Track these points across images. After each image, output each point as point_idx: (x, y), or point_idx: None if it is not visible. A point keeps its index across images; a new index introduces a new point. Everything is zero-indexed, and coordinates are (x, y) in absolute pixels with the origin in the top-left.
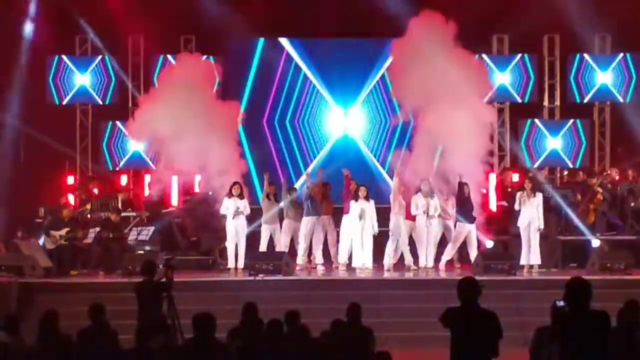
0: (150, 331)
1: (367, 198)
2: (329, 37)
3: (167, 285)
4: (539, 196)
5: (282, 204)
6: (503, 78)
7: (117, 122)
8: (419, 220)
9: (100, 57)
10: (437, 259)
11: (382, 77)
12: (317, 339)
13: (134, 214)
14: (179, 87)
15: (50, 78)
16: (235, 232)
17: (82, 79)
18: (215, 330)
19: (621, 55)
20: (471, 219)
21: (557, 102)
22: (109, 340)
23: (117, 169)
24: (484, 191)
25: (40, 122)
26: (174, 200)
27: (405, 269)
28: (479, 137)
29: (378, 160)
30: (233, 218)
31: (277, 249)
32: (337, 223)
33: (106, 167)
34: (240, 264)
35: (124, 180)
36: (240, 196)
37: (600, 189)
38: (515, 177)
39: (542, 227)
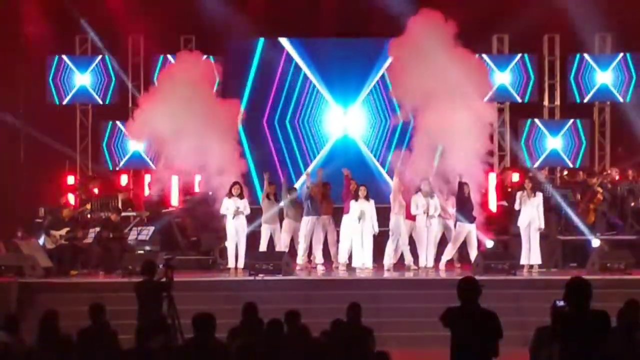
0: (150, 331)
1: (367, 198)
2: (329, 37)
3: (167, 285)
4: (539, 196)
5: (282, 204)
6: (503, 78)
7: (117, 122)
8: (419, 220)
9: (100, 57)
10: (437, 259)
11: (382, 76)
12: (317, 339)
13: (134, 213)
14: (179, 86)
15: (51, 78)
16: (236, 232)
17: (82, 79)
18: (215, 330)
19: (621, 55)
20: (471, 219)
21: (557, 102)
22: (109, 340)
23: (117, 168)
24: (505, 204)
25: (40, 122)
26: (174, 200)
27: (405, 268)
28: (479, 136)
29: (378, 160)
30: (233, 218)
31: (277, 249)
32: (337, 223)
33: (106, 167)
34: (241, 264)
35: (124, 180)
36: (240, 196)
37: (600, 189)
38: (516, 177)
39: (542, 226)
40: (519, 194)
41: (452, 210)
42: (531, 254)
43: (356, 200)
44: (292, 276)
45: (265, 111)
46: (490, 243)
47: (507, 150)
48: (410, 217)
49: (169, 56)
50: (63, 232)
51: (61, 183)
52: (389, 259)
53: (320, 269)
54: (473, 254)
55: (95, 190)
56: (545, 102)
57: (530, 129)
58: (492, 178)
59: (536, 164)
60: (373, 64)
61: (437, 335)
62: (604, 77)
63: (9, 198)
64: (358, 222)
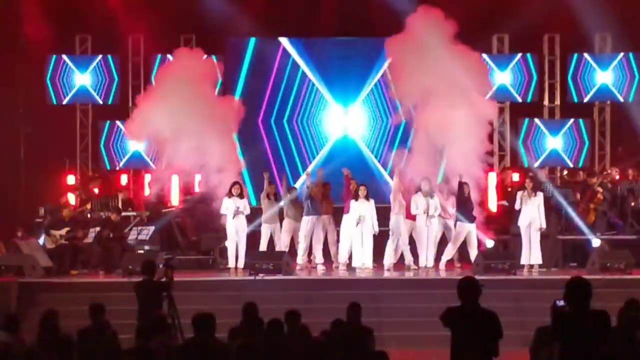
0: (150, 331)
1: (367, 198)
2: (329, 36)
3: (167, 284)
4: (540, 195)
5: (282, 203)
6: (503, 77)
7: (117, 122)
8: (419, 220)
9: (100, 56)
10: (437, 259)
11: (383, 76)
12: (317, 339)
13: (134, 213)
14: (177, 84)
15: (50, 77)
16: (236, 231)
17: (82, 79)
18: (216, 329)
19: (621, 54)
20: (471, 219)
21: (557, 102)
22: (109, 340)
23: (117, 168)
24: (505, 204)
25: (40, 121)
26: (174, 200)
27: (405, 268)
28: (480, 134)
29: (378, 160)
30: (233, 218)
31: (277, 249)
32: (337, 223)
33: (103, 166)
34: (241, 264)
35: (124, 180)
36: (240, 196)
37: (600, 189)
38: (516, 177)
39: (544, 226)
40: (519, 193)
41: (452, 210)
42: (532, 254)
43: (356, 200)
44: (292, 276)
45: (261, 110)
46: (490, 243)
47: (507, 150)
48: (411, 217)
49: (168, 56)
50: (63, 231)
51: (61, 183)
52: (389, 259)
53: (321, 268)
54: (473, 253)
55: (96, 190)
56: (546, 102)
57: (531, 128)
58: (493, 178)
59: (536, 164)
60: (373, 63)
61: (438, 335)
62: (604, 77)
63: (9, 198)
64: (356, 226)
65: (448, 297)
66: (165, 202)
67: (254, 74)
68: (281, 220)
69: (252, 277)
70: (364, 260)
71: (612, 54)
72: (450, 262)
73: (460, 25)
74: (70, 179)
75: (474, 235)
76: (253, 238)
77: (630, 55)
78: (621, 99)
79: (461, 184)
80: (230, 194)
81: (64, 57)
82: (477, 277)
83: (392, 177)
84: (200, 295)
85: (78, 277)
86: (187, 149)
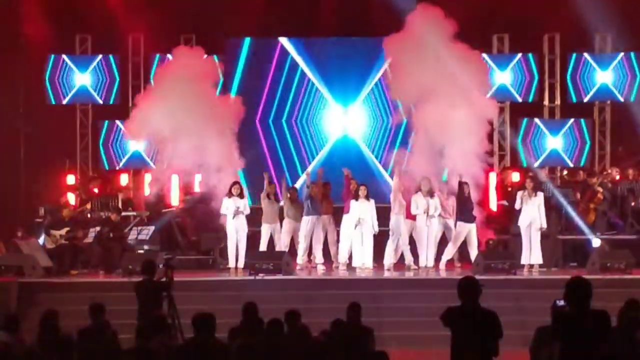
0: (150, 331)
1: (367, 197)
2: (329, 36)
3: (167, 284)
4: (540, 195)
5: (281, 203)
6: (503, 77)
7: (117, 122)
8: (419, 220)
9: (100, 56)
10: (438, 259)
11: (383, 75)
12: (317, 339)
13: (134, 213)
14: (176, 82)
15: (50, 77)
16: (236, 231)
17: (82, 79)
18: (216, 329)
19: (622, 54)
20: (471, 219)
21: (558, 102)
22: (109, 340)
23: (117, 168)
24: (505, 203)
25: (40, 121)
26: (174, 200)
27: (405, 268)
28: (480, 133)
29: (378, 160)
30: (233, 218)
31: (277, 249)
32: (337, 222)
33: (103, 166)
34: (241, 264)
35: (124, 179)
36: (240, 196)
37: (600, 189)
38: (516, 177)
39: (545, 226)
40: (519, 193)
41: (452, 209)
42: (532, 254)
43: (356, 200)
44: (292, 276)
45: (258, 110)
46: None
47: (507, 149)
48: (411, 217)
49: (168, 56)
50: (63, 231)
51: (61, 183)
52: (389, 259)
53: (321, 268)
54: (473, 253)
55: (96, 190)
56: (546, 102)
57: (531, 128)
58: (493, 177)
59: (536, 164)
60: (373, 62)
61: (438, 335)
62: (604, 77)
63: (9, 198)
64: (354, 228)
65: (448, 297)
66: (164, 202)
67: (251, 74)
68: (281, 220)
69: (252, 277)
70: (364, 260)
71: (612, 53)
72: (450, 262)
73: (460, 25)
74: (70, 179)
75: (474, 235)
76: (253, 238)
77: (632, 54)
78: (621, 99)
79: (461, 184)
80: (230, 194)
81: (64, 57)
82: (477, 276)
83: (393, 177)
84: (200, 295)
85: (78, 277)
86: (187, 148)
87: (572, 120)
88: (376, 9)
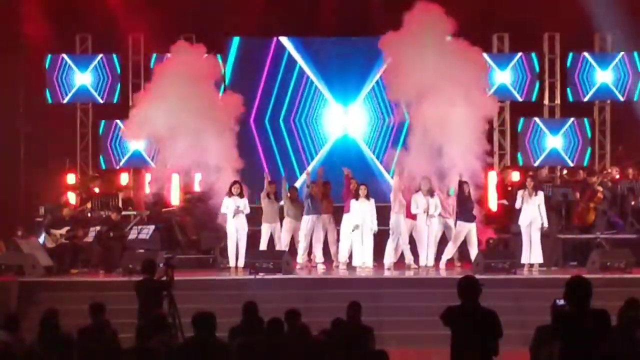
0: (150, 330)
1: (367, 197)
2: (329, 35)
3: (168, 283)
4: (541, 194)
5: (281, 203)
6: (503, 77)
7: (117, 121)
8: (420, 219)
9: (100, 55)
10: (438, 258)
11: (384, 74)
12: (317, 338)
13: (134, 212)
14: (175, 78)
15: (49, 77)
16: (236, 230)
17: (83, 78)
18: (216, 329)
19: (622, 54)
20: (471, 218)
21: (558, 101)
22: (109, 339)
23: (118, 167)
24: (505, 203)
25: (40, 121)
26: (174, 199)
27: (405, 267)
28: (479, 131)
29: (378, 159)
30: (233, 217)
31: (278, 248)
32: (338, 222)
33: (102, 166)
34: (241, 263)
35: (124, 179)
36: (240, 195)
37: (600, 188)
38: (516, 176)
39: (546, 225)
40: (520, 192)
41: (452, 208)
42: (532, 253)
43: (357, 199)
44: (293, 275)
45: (252, 110)
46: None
47: (507, 149)
48: (411, 216)
49: (167, 55)
50: (63, 231)
51: (61, 182)
52: (389, 258)
53: (321, 267)
54: (473, 252)
55: (96, 189)
56: (546, 101)
57: (531, 127)
58: (493, 177)
59: (536, 163)
60: (373, 62)
61: (438, 334)
62: (604, 76)
63: (9, 197)
64: (352, 231)
65: (448, 296)
66: (164, 202)
67: (242, 73)
68: (281, 219)
69: (252, 276)
70: (364, 260)
71: (612, 53)
72: (450, 261)
73: (460, 24)
74: (71, 178)
75: (474, 235)
76: (253, 237)
77: (635, 54)
78: (621, 98)
79: (461, 183)
80: (230, 193)
81: (64, 56)
82: (477, 276)
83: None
84: (200, 294)
85: (78, 276)
86: (185, 147)
87: (572, 119)
88: (376, 8)
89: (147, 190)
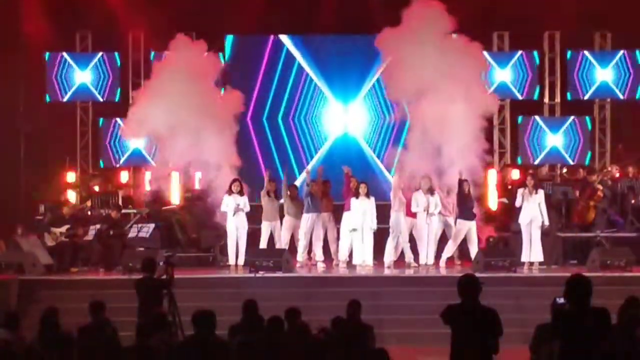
0: (150, 328)
1: (367, 195)
2: (329, 33)
3: (168, 282)
4: (541, 193)
5: (281, 201)
6: (504, 75)
7: (117, 119)
8: (420, 218)
9: (100, 53)
10: (438, 256)
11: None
12: (317, 336)
13: (134, 211)
14: (173, 74)
15: (49, 75)
16: (236, 229)
17: (83, 76)
18: (216, 327)
19: (622, 51)
20: (471, 216)
21: (558, 99)
22: (109, 337)
23: (117, 166)
24: (506, 201)
25: (40, 119)
26: (174, 197)
27: (405, 266)
28: (479, 128)
29: (379, 158)
30: (233, 215)
31: (278, 246)
32: (338, 220)
33: (102, 164)
34: (241, 261)
35: (124, 177)
36: (240, 193)
37: (600, 186)
38: (516, 174)
39: (547, 223)
40: (520, 190)
41: (452, 207)
42: (533, 251)
43: (357, 197)
44: (292, 273)
45: (249, 108)
46: None
47: (507, 147)
48: (411, 215)
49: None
50: (63, 229)
51: (61, 180)
52: (389, 257)
53: (321, 266)
54: (473, 251)
55: (96, 188)
56: (546, 99)
57: (531, 126)
58: (493, 175)
59: (536, 161)
60: (374, 60)
61: (438, 333)
62: (604, 75)
63: (9, 196)
64: (349, 232)
65: (448, 295)
66: (162, 200)
67: (238, 71)
68: (281, 217)
69: (252, 275)
70: (364, 258)
71: (612, 51)
72: (450, 260)
73: (461, 22)
74: (71, 177)
75: (474, 233)
76: (253, 235)
77: (637, 52)
78: (621, 97)
79: (461, 182)
80: (230, 191)
81: (64, 54)
82: (478, 274)
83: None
84: (200, 292)
85: (78, 274)
86: (184, 145)
87: (572, 117)
88: (376, 6)
89: (148, 188)
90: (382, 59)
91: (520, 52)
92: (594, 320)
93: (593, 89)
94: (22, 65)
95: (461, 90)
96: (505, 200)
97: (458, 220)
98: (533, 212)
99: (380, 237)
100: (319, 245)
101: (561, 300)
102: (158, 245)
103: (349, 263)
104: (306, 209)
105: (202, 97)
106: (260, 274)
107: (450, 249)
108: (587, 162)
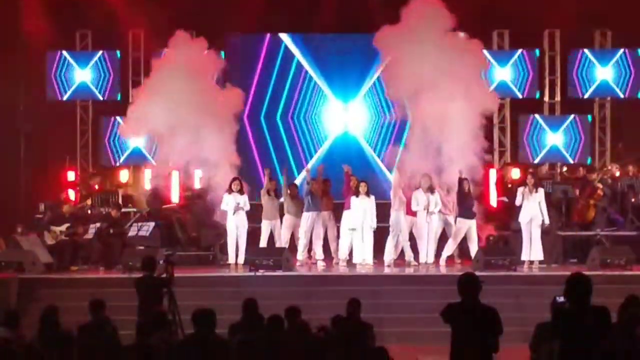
0: (150, 327)
1: (367, 194)
2: (329, 32)
3: (168, 280)
4: (541, 191)
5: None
6: (503, 73)
7: (117, 118)
8: (420, 216)
9: (100, 52)
10: (438, 255)
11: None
12: (317, 335)
13: (134, 209)
14: (173, 72)
15: (49, 74)
16: (236, 227)
17: (83, 75)
18: (216, 325)
19: (623, 50)
20: (471, 215)
21: (558, 98)
22: (109, 336)
23: (117, 164)
24: (506, 200)
25: (40, 118)
26: (174, 196)
27: (405, 264)
28: (479, 126)
29: (379, 157)
30: (233, 214)
31: (278, 245)
32: (338, 219)
33: (104, 163)
34: (241, 260)
35: (124, 175)
36: (240, 192)
37: (600, 185)
38: (516, 173)
39: (547, 222)
40: (520, 189)
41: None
42: (533, 250)
43: (357, 196)
44: (292, 272)
45: (246, 106)
46: None
47: (507, 146)
48: (411, 213)
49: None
50: (63, 227)
51: (61, 179)
52: (389, 255)
53: (321, 264)
54: (473, 249)
55: (96, 186)
56: (546, 98)
57: (531, 124)
58: (493, 174)
59: (536, 160)
60: (373, 58)
61: (438, 331)
62: (604, 73)
63: (9, 194)
64: (348, 230)
65: (448, 293)
66: (162, 199)
67: (237, 69)
68: (281, 216)
69: (252, 273)
70: (364, 257)
71: (612, 49)
72: (450, 258)
73: (460, 20)
74: (71, 175)
75: (474, 231)
76: (253, 234)
77: (638, 51)
78: (622, 95)
79: (461, 180)
80: (230, 190)
81: (64, 53)
82: (478, 273)
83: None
84: (200, 291)
85: (78, 273)
86: (184, 143)
87: (572, 116)
88: (376, 5)
89: (147, 186)
90: (382, 57)
91: (520, 50)
92: (594, 319)
93: (593, 87)
94: (22, 65)
95: (461, 89)
96: (505, 199)
97: (458, 219)
98: (533, 210)
99: (380, 236)
100: (319, 244)
101: (561, 299)
102: (158, 243)
103: (349, 262)
104: (306, 208)
105: (202, 95)
106: (260, 272)
107: (450, 248)
108: (588, 160)
